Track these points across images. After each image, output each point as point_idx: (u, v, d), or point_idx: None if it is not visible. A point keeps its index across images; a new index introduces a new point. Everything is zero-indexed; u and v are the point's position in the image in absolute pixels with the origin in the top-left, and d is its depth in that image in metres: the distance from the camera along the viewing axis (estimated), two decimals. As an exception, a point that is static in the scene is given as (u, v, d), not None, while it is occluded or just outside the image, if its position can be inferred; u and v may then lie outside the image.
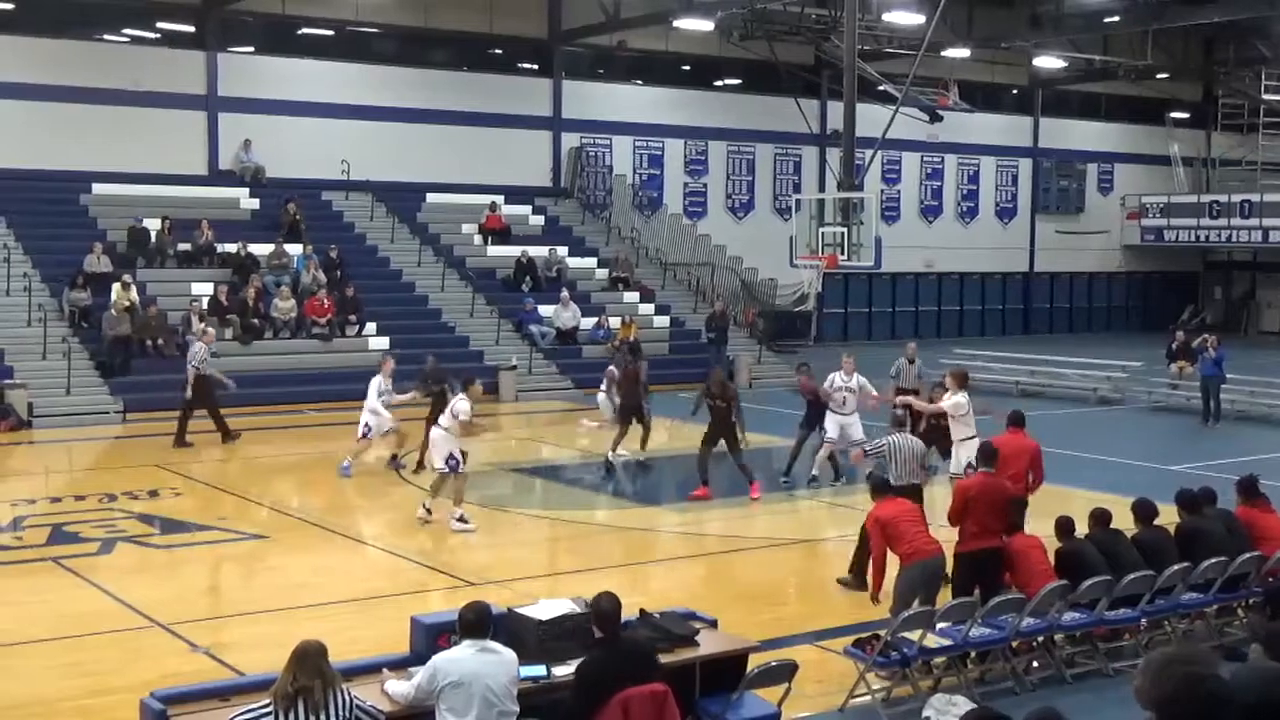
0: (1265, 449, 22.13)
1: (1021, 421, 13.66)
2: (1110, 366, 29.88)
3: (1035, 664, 10.90)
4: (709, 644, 8.95)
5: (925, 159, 44.74)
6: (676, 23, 35.44)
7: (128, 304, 26.39)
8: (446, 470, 16.01)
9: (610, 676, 7.58)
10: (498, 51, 37.29)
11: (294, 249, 30.25)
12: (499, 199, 34.72)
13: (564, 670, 8.19)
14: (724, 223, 40.11)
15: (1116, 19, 37.36)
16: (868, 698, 9.89)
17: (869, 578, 11.56)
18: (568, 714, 7.70)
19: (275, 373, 26.80)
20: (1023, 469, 13.17)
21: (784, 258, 28.82)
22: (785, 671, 8.81)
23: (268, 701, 6.74)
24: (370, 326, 29.05)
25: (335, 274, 29.95)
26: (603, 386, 23.16)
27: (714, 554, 15.59)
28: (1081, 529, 11.60)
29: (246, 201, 32.20)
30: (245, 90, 32.83)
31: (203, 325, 24.87)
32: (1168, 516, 12.10)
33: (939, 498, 14.91)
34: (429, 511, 16.24)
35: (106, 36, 32.34)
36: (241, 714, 6.78)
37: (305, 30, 34.62)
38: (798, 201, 30.52)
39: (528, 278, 32.37)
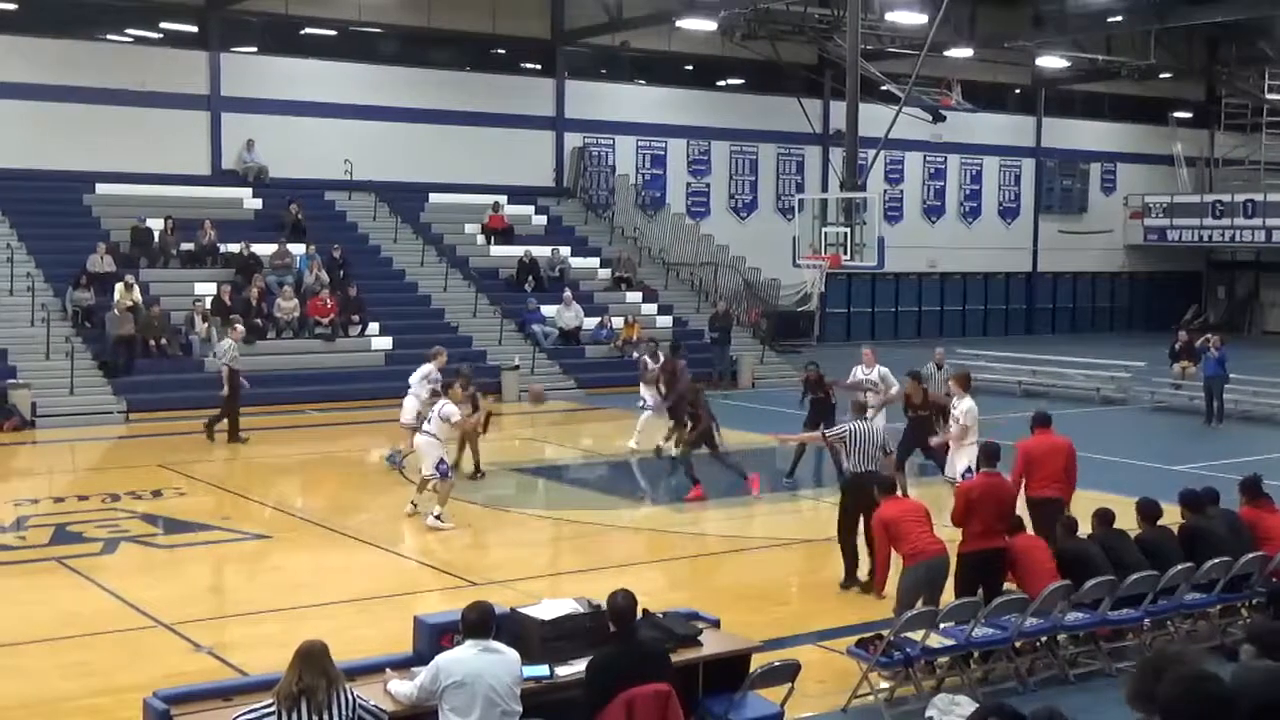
0: (1268, 449, 22.13)
1: (1048, 421, 13.71)
2: (1113, 366, 29.84)
3: (1038, 664, 10.90)
4: (712, 644, 8.95)
5: (928, 159, 44.72)
6: (679, 23, 35.44)
7: (131, 304, 26.41)
8: (437, 476, 16.19)
9: (621, 673, 7.59)
10: (500, 51, 37.29)
11: (297, 249, 30.26)
12: (502, 199, 34.72)
13: (567, 670, 8.20)
14: (727, 223, 40.09)
15: (1119, 18, 37.34)
16: (871, 698, 9.89)
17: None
18: (580, 708, 7.72)
19: (278, 373, 26.78)
20: (1060, 468, 13.22)
21: (787, 258, 28.79)
22: (788, 671, 8.82)
23: (271, 701, 6.74)
24: (373, 327, 29.06)
25: (338, 274, 29.95)
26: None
27: (717, 554, 15.60)
28: (1084, 529, 11.60)
29: (249, 201, 32.21)
30: (248, 90, 32.83)
31: (233, 319, 25.14)
32: (1171, 516, 12.10)
33: (944, 498, 14.90)
34: (415, 506, 16.64)
35: (109, 37, 32.34)
36: (245, 714, 6.78)
37: (308, 30, 34.62)
38: (800, 201, 30.49)
39: (530, 278, 32.37)
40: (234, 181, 32.52)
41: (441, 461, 16.17)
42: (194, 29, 32.95)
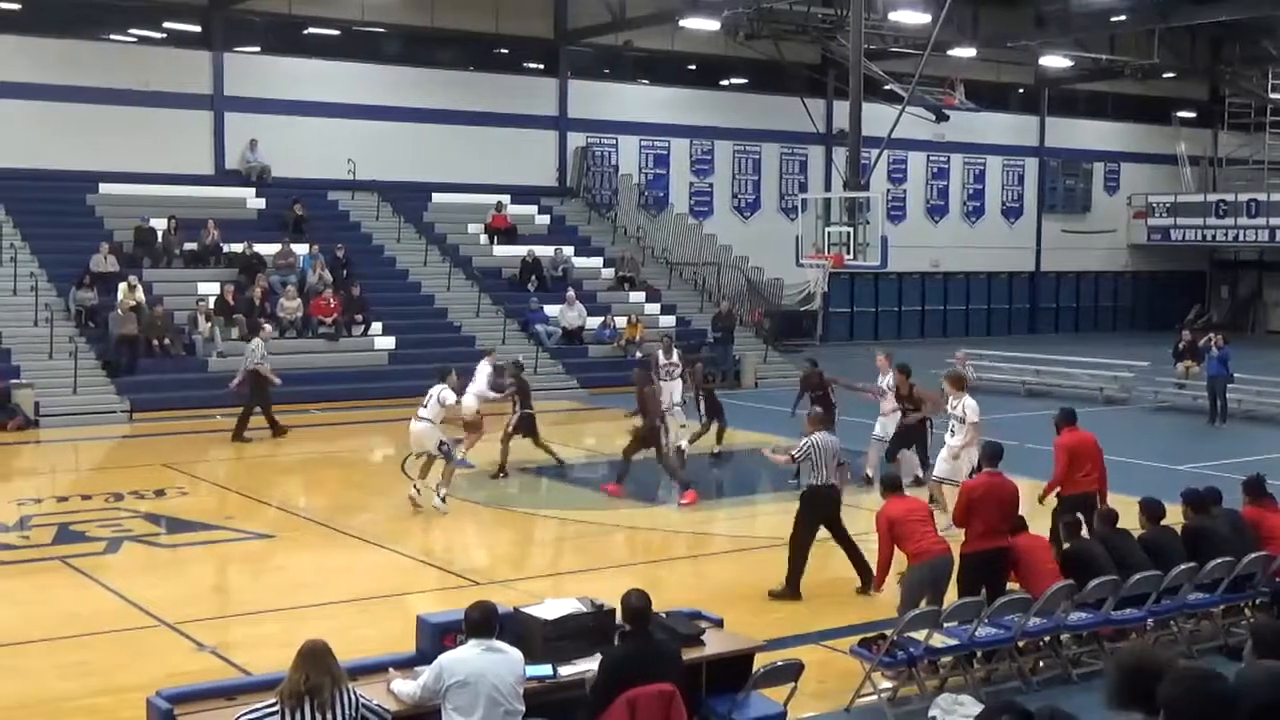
0: (1272, 449, 22.10)
1: (1075, 417, 13.86)
2: (1116, 366, 29.82)
3: (1041, 664, 10.89)
4: (715, 644, 8.96)
5: (931, 158, 44.70)
6: (682, 22, 35.42)
7: (134, 304, 26.44)
8: (441, 454, 16.68)
9: (633, 672, 7.61)
10: (503, 51, 37.28)
11: (300, 249, 30.27)
12: (505, 199, 34.72)
13: (569, 670, 8.21)
14: (730, 222, 40.08)
15: (1123, 18, 37.31)
16: (874, 697, 9.89)
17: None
18: (585, 706, 7.75)
19: (281, 372, 26.68)
20: (1095, 461, 13.51)
21: (790, 257, 28.74)
22: (791, 671, 8.82)
23: (274, 700, 6.74)
24: (376, 326, 29.08)
25: (341, 274, 29.97)
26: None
27: (719, 553, 15.60)
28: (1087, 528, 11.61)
29: (253, 201, 32.22)
30: (251, 90, 32.85)
31: (260, 320, 25.44)
32: (1174, 516, 12.09)
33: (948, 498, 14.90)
34: (419, 492, 16.94)
35: (113, 36, 32.35)
36: (248, 713, 6.78)
37: (311, 30, 34.63)
38: (804, 201, 30.43)
39: (533, 277, 32.38)
40: (237, 181, 32.53)
41: (443, 442, 16.60)
42: (197, 29, 32.96)
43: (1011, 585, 10.94)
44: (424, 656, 8.10)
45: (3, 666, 11.03)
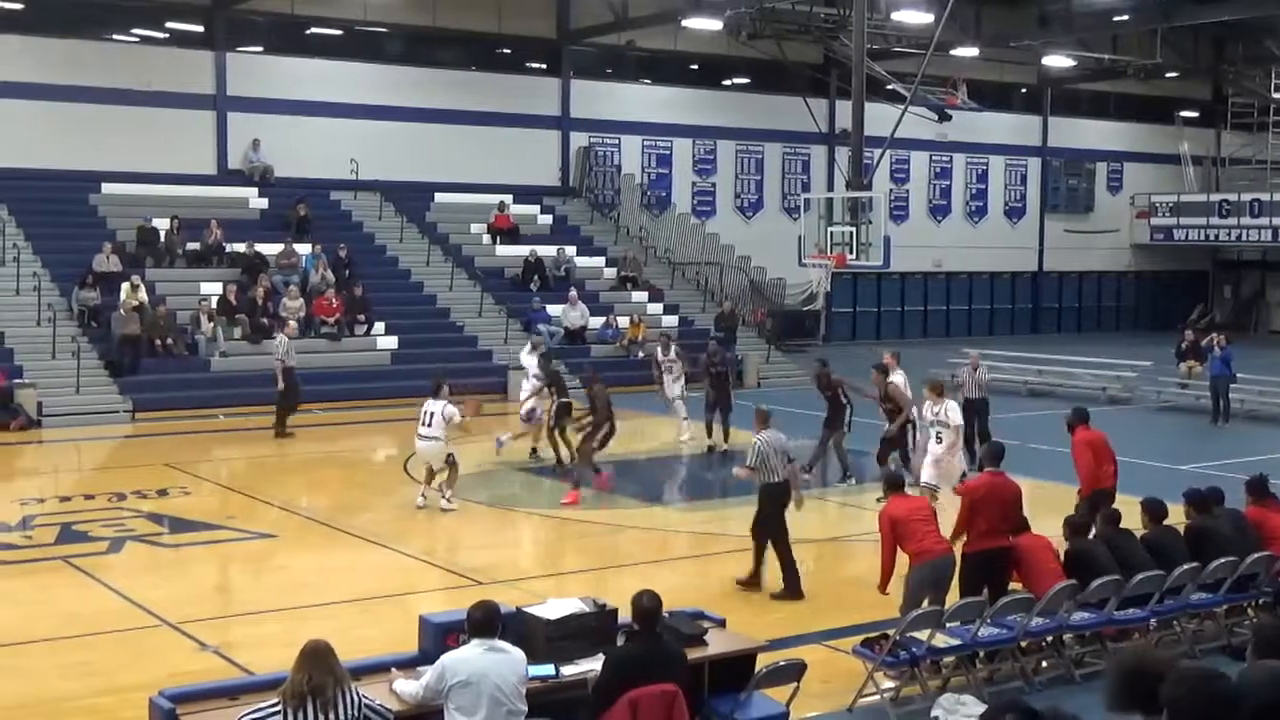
0: (1274, 449, 22.08)
1: (1088, 416, 13.93)
2: (1119, 366, 29.81)
3: (1044, 664, 10.89)
4: (717, 643, 8.96)
5: (934, 158, 44.69)
6: (685, 22, 35.41)
7: (137, 304, 26.45)
8: (448, 465, 17.00)
9: (637, 672, 7.62)
10: (506, 51, 37.29)
11: (303, 248, 30.29)
12: (507, 198, 34.73)
13: (572, 669, 8.21)
14: (732, 222, 40.09)
15: (1125, 18, 37.29)
16: (876, 697, 9.89)
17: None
18: (592, 699, 7.77)
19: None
20: (1112, 458, 13.88)
21: (792, 257, 28.74)
22: (793, 671, 8.81)
23: (277, 700, 6.74)
24: (379, 326, 29.09)
25: (344, 273, 29.97)
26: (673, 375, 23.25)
27: (722, 553, 15.56)
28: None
29: (255, 201, 32.23)
30: (254, 90, 32.86)
31: (285, 317, 25.59)
32: (1177, 516, 12.09)
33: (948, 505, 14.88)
34: (425, 499, 17.14)
35: (115, 36, 32.36)
36: (251, 713, 6.78)
37: (314, 30, 34.63)
38: (806, 201, 30.42)
39: (536, 277, 32.38)
40: (240, 181, 32.54)
41: (450, 455, 16.93)
42: (200, 29, 32.97)
43: (1014, 585, 10.93)
44: (426, 656, 8.10)
45: (5, 666, 11.04)
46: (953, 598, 10.78)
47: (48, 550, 14.88)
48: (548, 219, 35.87)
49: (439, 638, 8.22)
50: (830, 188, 38.16)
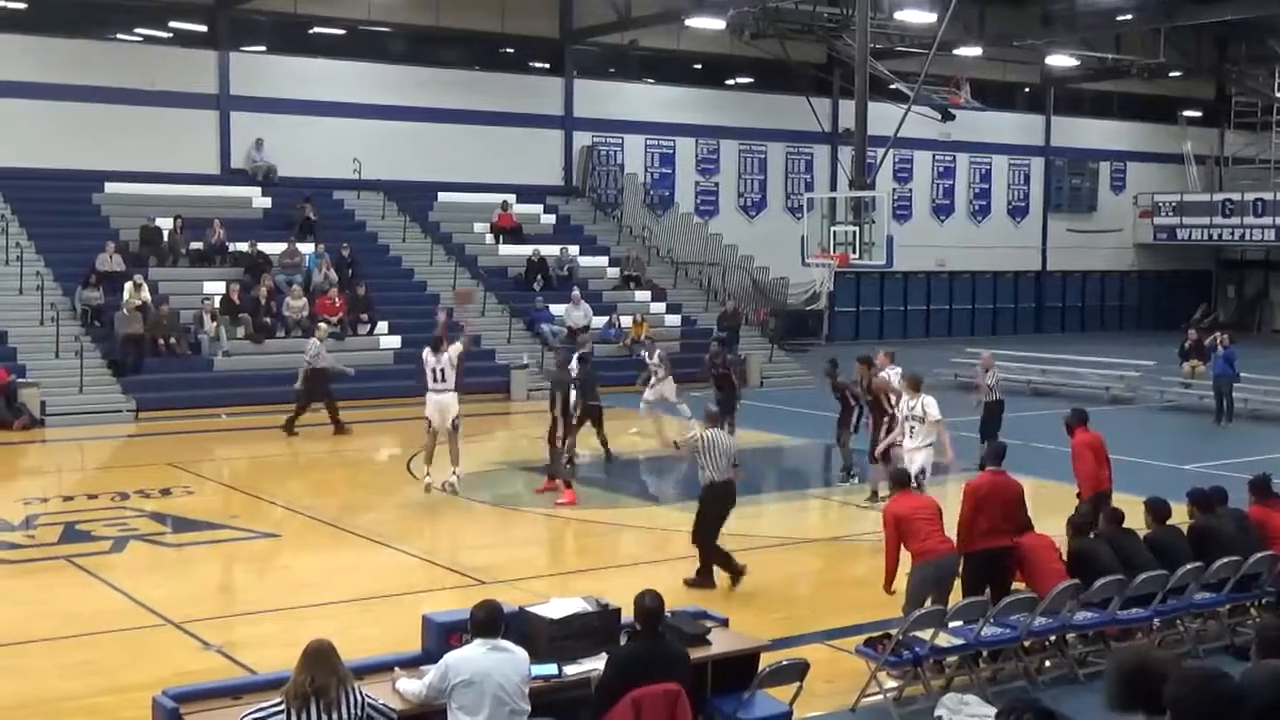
0: (1278, 448, 22.03)
1: (1087, 417, 13.97)
2: (1123, 365, 29.80)
3: (1047, 663, 10.88)
4: (720, 643, 8.96)
5: (937, 158, 44.68)
6: (688, 21, 35.40)
7: (140, 303, 26.46)
8: (453, 429, 17.64)
9: (639, 671, 7.62)
10: (509, 51, 37.30)
11: (306, 248, 30.30)
12: (510, 198, 34.74)
13: (575, 669, 8.21)
14: (735, 222, 40.09)
15: (1129, 17, 37.28)
16: (879, 697, 9.88)
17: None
18: (594, 699, 7.77)
19: (287, 371, 26.77)
20: (1107, 459, 13.93)
21: (795, 257, 28.75)
22: (797, 671, 8.80)
23: (280, 700, 6.75)
24: (382, 325, 29.09)
25: (347, 273, 29.99)
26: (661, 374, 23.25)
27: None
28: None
29: (258, 200, 32.25)
30: (257, 89, 32.87)
31: (315, 318, 25.84)
32: (1180, 516, 12.08)
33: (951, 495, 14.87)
34: (431, 479, 17.56)
35: (119, 36, 32.38)
36: (254, 712, 6.78)
37: (317, 30, 34.64)
38: (809, 200, 30.43)
39: (539, 276, 32.39)
40: (243, 181, 32.56)
41: (456, 418, 17.52)
42: (203, 28, 32.99)
43: (1018, 585, 10.92)
44: (429, 656, 8.11)
45: (7, 666, 11.04)
46: (956, 597, 10.78)
47: (50, 550, 14.88)
48: (551, 218, 35.87)
49: (442, 637, 8.22)
50: (833, 187, 38.15)
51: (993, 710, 8.57)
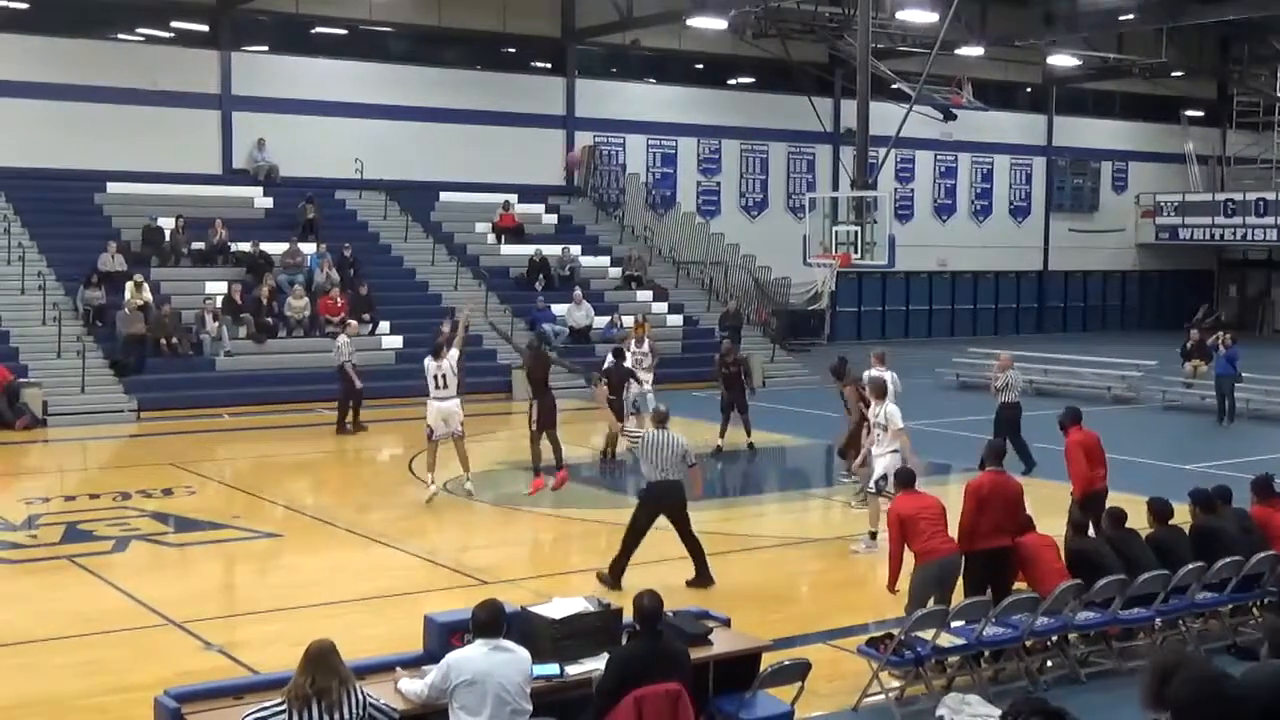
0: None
1: (1080, 416, 14.01)
2: (1124, 365, 29.78)
3: (1049, 663, 10.87)
4: (722, 643, 8.95)
5: (939, 157, 44.68)
6: (690, 21, 35.40)
7: (141, 303, 26.48)
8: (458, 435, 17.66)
9: (640, 671, 7.63)
10: (511, 50, 37.31)
11: (308, 248, 30.30)
12: (512, 198, 34.75)
13: (577, 669, 8.21)
14: (737, 221, 40.08)
15: (1131, 17, 37.23)
16: (881, 697, 9.88)
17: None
18: (595, 700, 7.77)
19: (289, 371, 26.86)
20: (1103, 459, 13.83)
21: (797, 256, 28.75)
22: (798, 670, 8.80)
23: (281, 700, 6.75)
24: (384, 325, 29.09)
25: (349, 273, 29.99)
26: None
27: (726, 553, 15.55)
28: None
29: (260, 200, 32.27)
30: (259, 89, 32.89)
31: (344, 317, 25.86)
32: (1182, 516, 12.07)
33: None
34: (434, 484, 17.46)
35: (121, 36, 32.40)
36: (255, 712, 6.79)
37: (319, 29, 34.67)
38: (811, 200, 30.43)
39: (541, 276, 32.39)
40: (245, 180, 32.58)
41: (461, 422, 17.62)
42: (205, 28, 33.01)
43: (1019, 585, 10.92)
44: (431, 656, 8.11)
45: (10, 665, 11.05)
46: (958, 597, 10.77)
47: (53, 549, 14.88)
48: (552, 218, 35.88)
49: (444, 637, 8.23)
50: (835, 187, 38.14)
51: (995, 710, 8.59)
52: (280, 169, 32.75)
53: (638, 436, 13.51)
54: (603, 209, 37.23)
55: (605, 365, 21.07)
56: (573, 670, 8.21)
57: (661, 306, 33.26)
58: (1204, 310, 45.94)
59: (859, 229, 25.85)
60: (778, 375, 31.46)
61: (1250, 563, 11.40)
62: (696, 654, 8.47)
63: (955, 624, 10.15)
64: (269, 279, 28.62)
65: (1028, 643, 10.61)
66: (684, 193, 39.52)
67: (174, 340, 26.47)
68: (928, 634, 9.99)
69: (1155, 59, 42.02)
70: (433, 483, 17.39)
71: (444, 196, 34.59)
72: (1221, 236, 46.50)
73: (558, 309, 31.17)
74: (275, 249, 29.84)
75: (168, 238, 29.34)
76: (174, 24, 32.88)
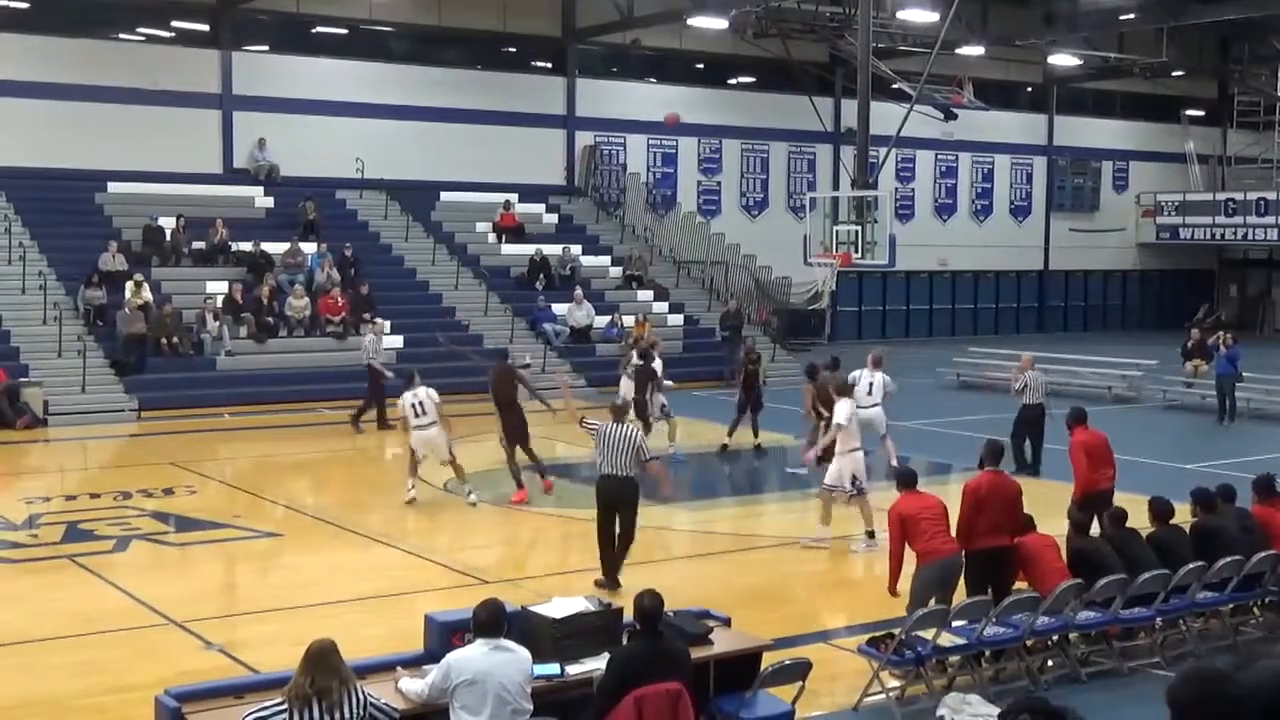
0: (1281, 448, 22.07)
1: (1086, 416, 13.99)
2: (1125, 365, 29.78)
3: (1050, 663, 10.87)
4: (723, 643, 8.96)
5: (939, 157, 44.67)
6: (690, 21, 35.41)
7: (141, 302, 26.48)
8: (452, 459, 17.54)
9: (640, 671, 7.63)
10: (512, 50, 37.31)
11: (308, 247, 30.30)
12: (513, 197, 34.74)
13: (577, 669, 8.21)
14: (738, 221, 40.08)
15: (1131, 16, 37.23)
16: (882, 696, 9.88)
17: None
18: (596, 700, 7.77)
19: (289, 371, 26.86)
20: (1109, 459, 13.96)
21: (798, 256, 28.76)
22: (799, 670, 8.81)
23: (282, 700, 6.75)
24: (384, 325, 29.04)
25: (349, 272, 29.99)
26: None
27: (727, 552, 15.58)
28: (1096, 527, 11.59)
29: (261, 200, 32.27)
30: (259, 89, 32.88)
31: (370, 317, 25.84)
32: (1184, 516, 12.06)
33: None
34: (414, 489, 17.48)
35: (121, 35, 32.41)
36: (255, 712, 6.79)
37: (319, 29, 34.67)
38: (812, 200, 30.44)
39: (541, 276, 32.39)
40: (245, 180, 32.58)
41: (449, 445, 17.58)
42: (205, 28, 33.01)
43: (1020, 584, 10.92)
44: (432, 655, 8.11)
45: (11, 665, 11.05)
46: (958, 597, 10.77)
47: (54, 549, 14.89)
48: (553, 218, 35.88)
49: (444, 636, 8.23)
50: (836, 187, 38.14)
51: (995, 710, 8.58)
52: (281, 169, 32.76)
53: (594, 427, 13.46)
54: (603, 209, 37.24)
55: (631, 366, 21.17)
56: (573, 670, 8.21)
57: (662, 306, 33.27)
58: (1204, 310, 45.96)
59: (859, 228, 25.85)
60: (778, 375, 31.40)
61: (1251, 562, 11.41)
62: (697, 654, 8.48)
63: (956, 624, 10.15)
64: (269, 279, 28.62)
65: (1028, 642, 10.61)
66: (684, 192, 39.52)
67: (175, 340, 26.47)
68: (928, 633, 9.99)
69: (1156, 59, 42.00)
70: (413, 487, 17.36)
71: (445, 196, 34.60)
72: (1222, 236, 46.49)
73: (558, 309, 31.17)
74: (276, 249, 29.84)
75: (168, 237, 29.34)
76: (175, 23, 32.89)
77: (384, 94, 34.33)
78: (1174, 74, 45.31)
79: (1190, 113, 50.01)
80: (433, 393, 17.55)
